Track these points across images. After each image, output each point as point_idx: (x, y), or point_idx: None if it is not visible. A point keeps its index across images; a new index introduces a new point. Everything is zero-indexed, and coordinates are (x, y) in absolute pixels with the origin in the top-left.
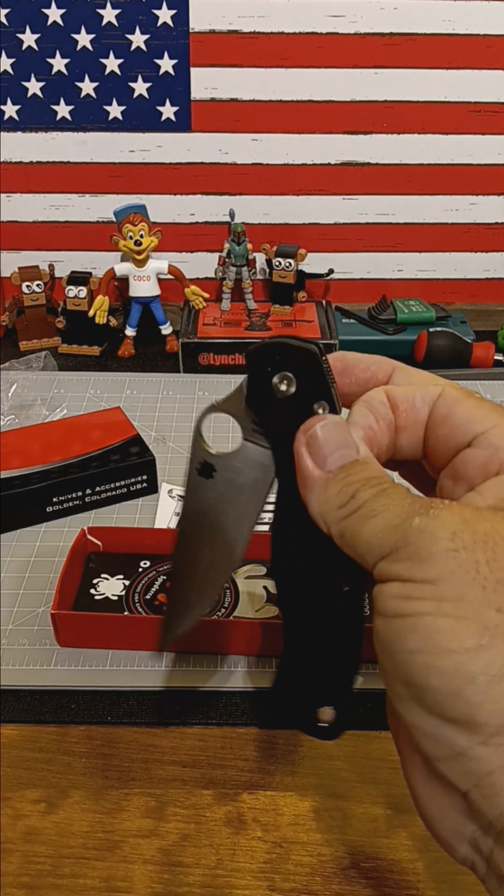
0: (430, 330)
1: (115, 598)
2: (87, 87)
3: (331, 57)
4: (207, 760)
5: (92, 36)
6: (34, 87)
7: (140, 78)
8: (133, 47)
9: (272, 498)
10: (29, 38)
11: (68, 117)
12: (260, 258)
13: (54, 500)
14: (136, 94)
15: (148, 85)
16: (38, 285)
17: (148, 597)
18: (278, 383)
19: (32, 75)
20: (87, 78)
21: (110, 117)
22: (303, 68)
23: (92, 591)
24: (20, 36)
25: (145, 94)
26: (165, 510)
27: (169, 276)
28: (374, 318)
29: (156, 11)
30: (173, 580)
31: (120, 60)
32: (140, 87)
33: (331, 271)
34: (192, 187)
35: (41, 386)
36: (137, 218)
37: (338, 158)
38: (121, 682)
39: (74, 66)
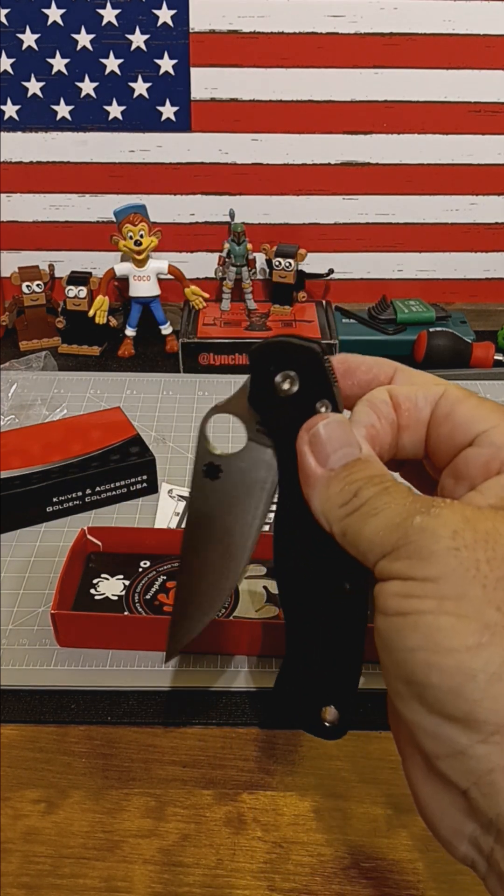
0: (430, 330)
1: (115, 598)
2: (87, 87)
3: (331, 57)
4: (207, 760)
5: (92, 36)
6: (34, 87)
7: (140, 78)
8: (133, 47)
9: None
10: (29, 38)
11: (68, 117)
12: (260, 258)
13: (54, 500)
14: (136, 94)
15: (148, 85)
16: (38, 285)
17: (148, 597)
18: (281, 382)
19: (32, 75)
20: (87, 78)
21: (110, 117)
22: (303, 68)
23: (92, 591)
24: (20, 36)
25: (145, 94)
26: (165, 510)
27: (169, 276)
28: (374, 318)
29: (156, 11)
30: (180, 587)
31: (120, 60)
32: (140, 87)
33: (331, 271)
34: (192, 187)
35: (41, 386)
36: (137, 218)
37: (338, 158)
38: (121, 682)
39: (74, 66)
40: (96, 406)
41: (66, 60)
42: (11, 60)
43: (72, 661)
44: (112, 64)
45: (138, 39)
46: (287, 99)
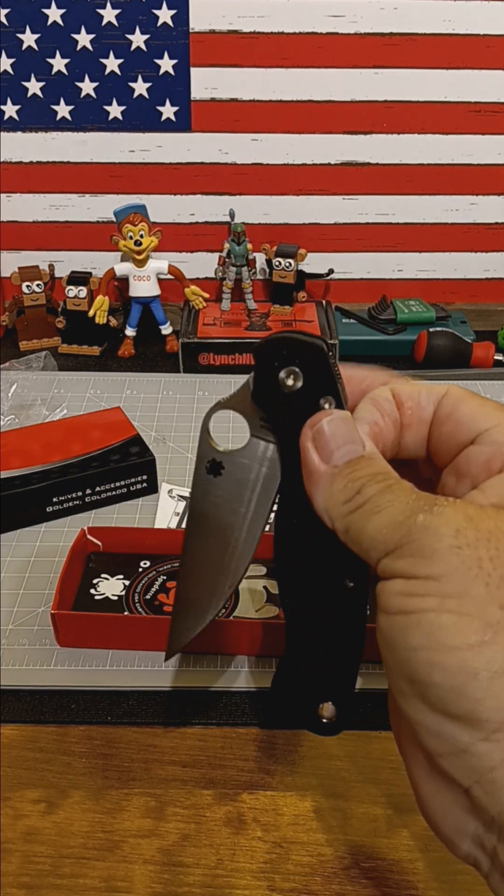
0: (430, 330)
1: (115, 598)
2: (87, 87)
3: (331, 57)
4: (207, 760)
5: (92, 36)
6: (34, 87)
7: (140, 78)
8: (133, 47)
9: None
10: (29, 38)
11: (68, 117)
12: (260, 258)
13: (54, 500)
14: (136, 94)
15: (148, 85)
16: (38, 285)
17: (148, 597)
18: (285, 378)
19: (32, 75)
20: (87, 78)
21: (110, 117)
22: (303, 68)
23: (92, 591)
24: (20, 36)
25: (145, 94)
26: (165, 510)
27: (169, 276)
28: (374, 318)
29: (156, 11)
30: (181, 585)
31: (120, 60)
32: (140, 87)
33: (331, 271)
34: (192, 187)
35: (41, 386)
36: (137, 218)
37: (338, 158)
38: (121, 682)
39: (74, 66)
40: (96, 406)
41: (67, 60)
42: (11, 60)
43: (72, 661)
44: (112, 64)
45: (138, 39)
46: (287, 99)
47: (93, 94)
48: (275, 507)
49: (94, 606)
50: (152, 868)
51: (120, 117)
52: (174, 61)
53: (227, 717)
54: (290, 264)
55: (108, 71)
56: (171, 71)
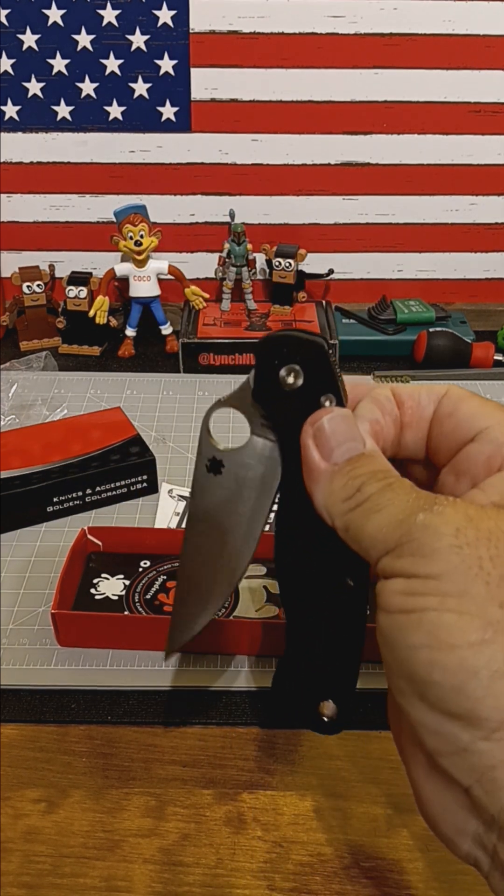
0: (430, 330)
1: (116, 597)
2: (88, 87)
3: (331, 57)
4: (207, 760)
5: (92, 36)
6: (34, 87)
7: (140, 78)
8: (133, 48)
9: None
10: (29, 39)
11: (68, 118)
12: (260, 258)
13: (55, 499)
14: (136, 95)
15: (148, 85)
16: (38, 285)
17: (148, 596)
18: (286, 376)
19: (33, 76)
20: (87, 78)
21: (110, 118)
22: (303, 69)
23: (92, 590)
24: (20, 36)
25: (145, 95)
26: (165, 510)
27: (169, 277)
28: (374, 319)
29: (156, 12)
30: (181, 584)
31: (120, 61)
32: (140, 88)
33: (331, 271)
34: (192, 187)
35: (41, 386)
36: (137, 218)
37: (338, 159)
38: (121, 682)
39: (75, 66)
40: (96, 406)
41: (67, 61)
42: (12, 61)
43: (72, 660)
44: (112, 64)
45: (138, 40)
46: (287, 99)
47: (93, 94)
48: (275, 506)
49: (94, 606)
50: (152, 867)
51: (120, 118)
52: (174, 62)
53: (228, 717)
54: (290, 264)
55: (108, 71)
56: (172, 71)
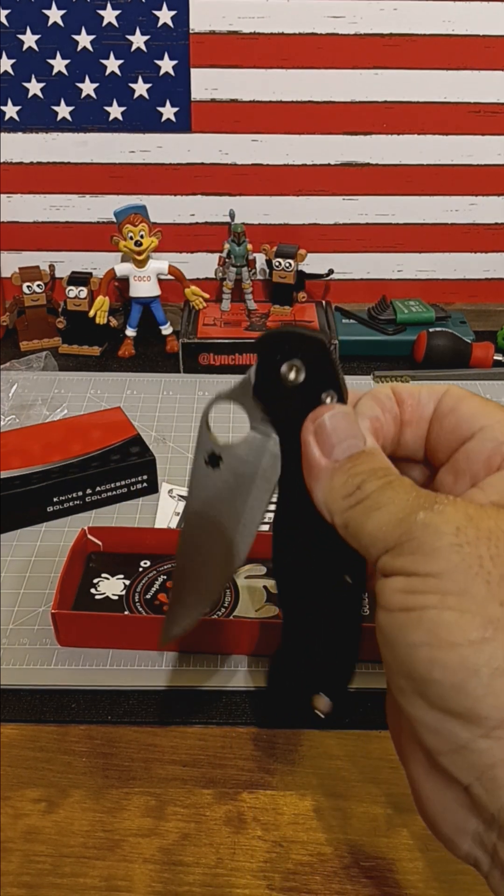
0: (430, 330)
1: (116, 597)
2: (88, 87)
3: (331, 57)
4: (207, 760)
5: (92, 37)
6: (35, 87)
7: (140, 79)
8: (133, 48)
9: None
10: (29, 39)
11: (69, 118)
12: (260, 258)
13: (55, 499)
14: (136, 95)
15: (148, 86)
16: (38, 286)
17: (148, 596)
18: (287, 372)
19: (33, 76)
20: (87, 79)
21: (110, 118)
22: (303, 69)
23: (92, 590)
24: (21, 37)
25: (145, 95)
26: (166, 510)
27: (169, 277)
28: (374, 319)
29: (156, 12)
30: (177, 576)
31: (120, 61)
32: (140, 88)
33: (331, 272)
34: (192, 188)
35: (42, 386)
36: (138, 218)
37: (338, 159)
38: (121, 682)
39: (75, 66)
40: (97, 406)
41: (67, 61)
42: (12, 61)
43: (72, 660)
44: (112, 65)
45: (138, 40)
46: (287, 99)
47: (93, 94)
48: (273, 502)
49: (94, 606)
50: (152, 867)
51: (120, 118)
52: (174, 62)
53: (228, 717)
54: (290, 265)
55: (108, 72)
56: (172, 72)
